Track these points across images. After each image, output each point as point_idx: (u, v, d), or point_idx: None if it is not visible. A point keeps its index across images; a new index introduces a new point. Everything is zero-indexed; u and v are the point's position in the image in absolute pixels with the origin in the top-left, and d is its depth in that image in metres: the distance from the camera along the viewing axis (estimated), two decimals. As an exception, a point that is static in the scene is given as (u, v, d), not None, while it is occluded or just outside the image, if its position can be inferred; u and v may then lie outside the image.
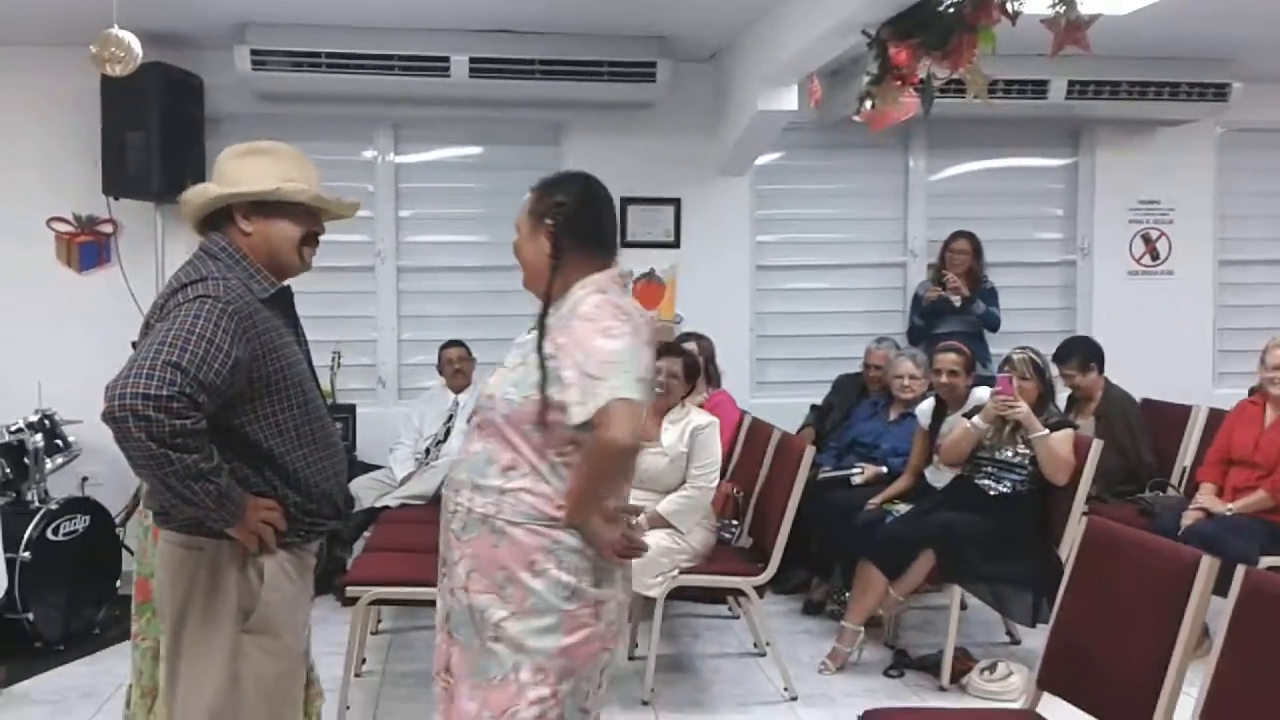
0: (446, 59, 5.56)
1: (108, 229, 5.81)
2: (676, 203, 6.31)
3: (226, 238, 2.42)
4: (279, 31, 5.43)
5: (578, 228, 2.40)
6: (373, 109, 6.02)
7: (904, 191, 6.62)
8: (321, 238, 2.54)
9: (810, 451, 4.28)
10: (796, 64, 5.05)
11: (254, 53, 5.41)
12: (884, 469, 5.08)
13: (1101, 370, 5.43)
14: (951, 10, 3.80)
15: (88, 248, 5.82)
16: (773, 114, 5.49)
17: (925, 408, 4.89)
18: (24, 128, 5.74)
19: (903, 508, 4.74)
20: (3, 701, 4.05)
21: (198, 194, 2.46)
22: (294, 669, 2.44)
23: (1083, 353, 5.43)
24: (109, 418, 2.12)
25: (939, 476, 4.76)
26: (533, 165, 6.27)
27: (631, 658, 4.52)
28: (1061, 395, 5.38)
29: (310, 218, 2.48)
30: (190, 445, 2.15)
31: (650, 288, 6.30)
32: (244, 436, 2.31)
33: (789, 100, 5.43)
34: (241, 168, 2.45)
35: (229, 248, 2.41)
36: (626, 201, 6.23)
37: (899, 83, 4.12)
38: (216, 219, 2.45)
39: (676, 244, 6.32)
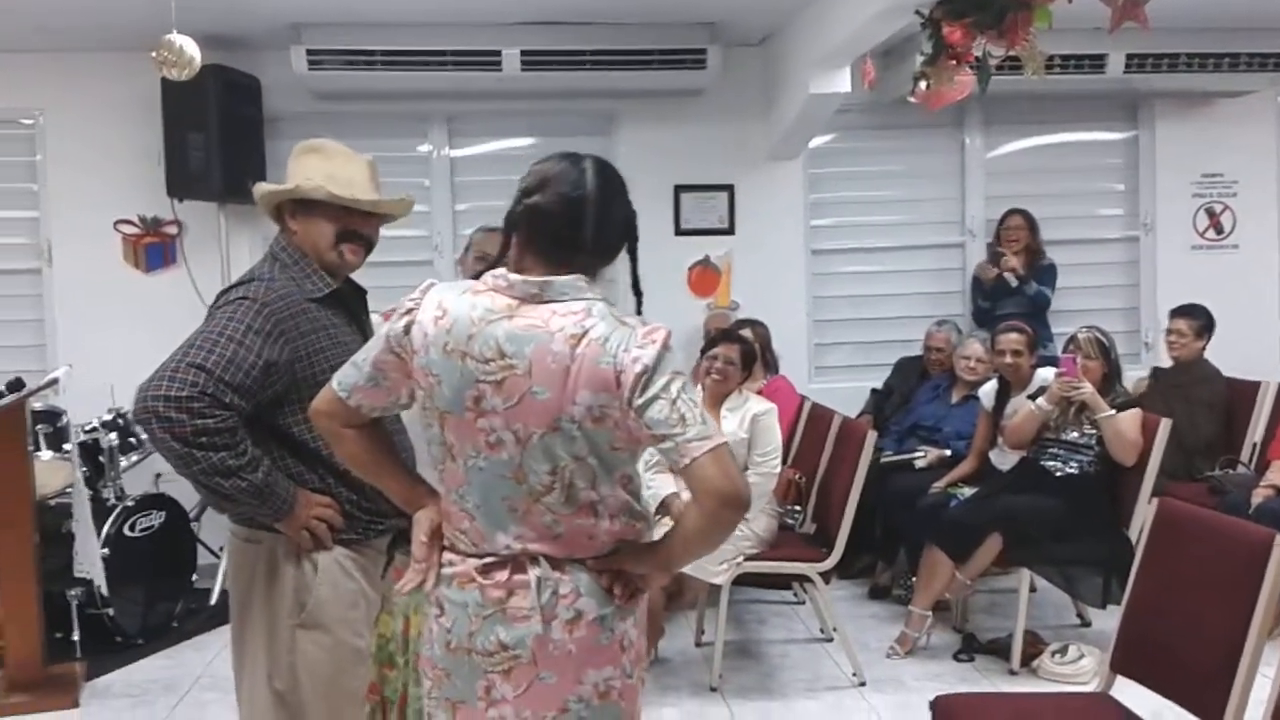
0: (498, 53, 5.60)
1: (172, 230, 5.92)
2: (730, 189, 6.30)
3: (286, 236, 2.48)
4: (333, 31, 5.50)
5: None
6: (427, 104, 6.08)
7: (960, 170, 6.54)
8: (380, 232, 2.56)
9: (872, 436, 4.26)
10: (849, 46, 5.01)
11: (310, 52, 5.48)
12: (947, 452, 5.05)
13: (1207, 344, 5.38)
14: (1006, -13, 3.75)
15: (153, 249, 5.93)
16: (826, 97, 5.45)
17: (988, 389, 4.85)
18: (90, 133, 5.86)
19: (967, 491, 4.70)
20: (86, 696, 4.15)
21: (257, 191, 2.53)
22: (351, 666, 2.43)
23: (1206, 319, 5.36)
24: (136, 419, 2.22)
25: (1004, 459, 4.72)
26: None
27: (698, 644, 4.55)
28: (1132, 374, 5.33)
29: (347, 216, 2.47)
30: (215, 443, 2.20)
31: (705, 274, 6.31)
32: (292, 435, 2.35)
33: (842, 82, 5.40)
34: (294, 166, 2.50)
35: (288, 247, 2.47)
36: (680, 188, 6.24)
37: (954, 62, 4.06)
38: (281, 215, 2.50)
39: (731, 230, 6.31)
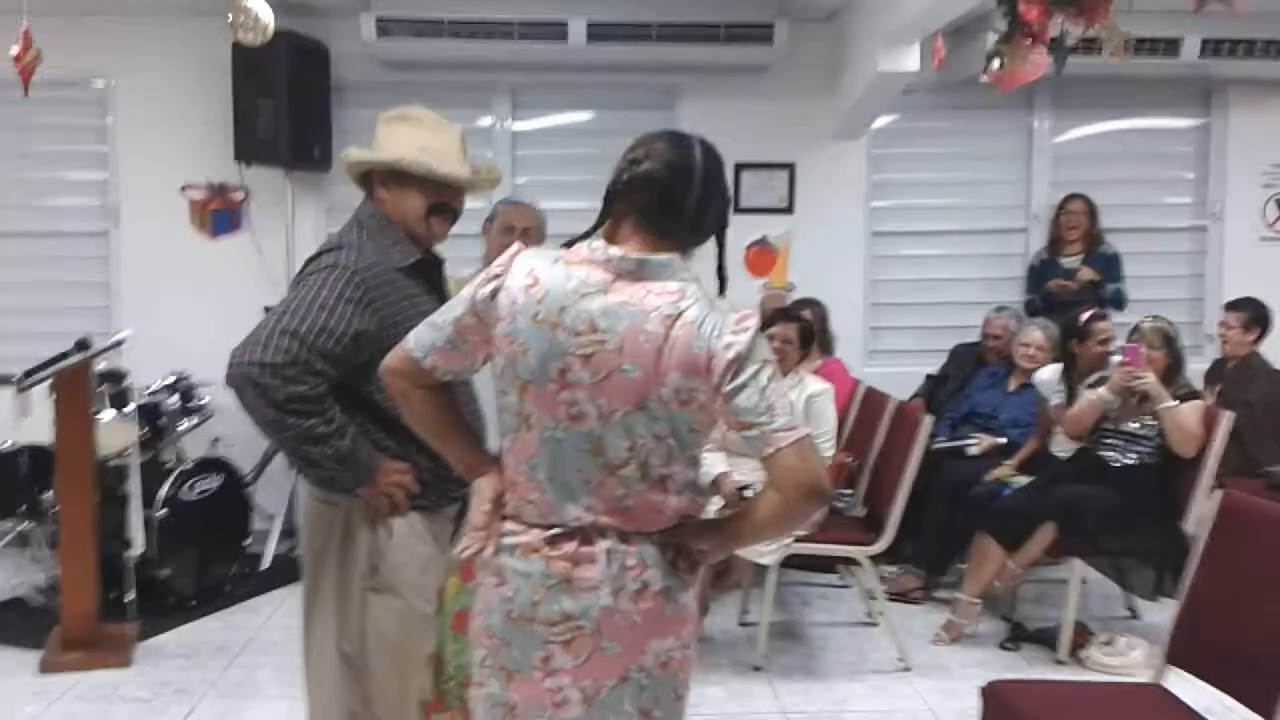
0: (564, 23, 5.60)
1: (239, 196, 5.99)
2: (791, 167, 6.25)
3: (375, 203, 2.49)
4: (403, -1, 5.52)
5: None
6: (491, 75, 6.08)
7: (1027, 154, 6.43)
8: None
9: (928, 421, 4.23)
10: (919, 23, 4.93)
11: (379, 20, 5.52)
12: (1001, 440, 5.00)
13: (1260, 339, 5.26)
14: (1085, -37, 3.66)
15: (219, 214, 6.01)
16: (893, 75, 5.38)
17: (1047, 375, 4.78)
18: (159, 97, 5.94)
19: (1020, 480, 4.66)
20: (138, 655, 4.23)
21: (346, 157, 2.54)
22: (419, 630, 2.46)
23: (1256, 313, 5.26)
24: (229, 383, 2.24)
25: (1059, 446, 4.66)
26: (645, 130, 6.23)
27: (742, 624, 4.56)
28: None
29: (440, 190, 2.48)
30: (305, 410, 2.23)
31: (763, 254, 6.27)
32: (375, 403, 2.37)
33: (910, 61, 5.32)
34: (383, 134, 2.51)
35: (376, 213, 2.48)
36: (740, 166, 6.19)
37: (1029, 41, 3.99)
38: (369, 182, 2.51)
39: (790, 210, 6.26)
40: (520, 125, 6.29)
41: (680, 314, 1.76)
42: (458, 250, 2.85)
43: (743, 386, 1.73)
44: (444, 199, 2.49)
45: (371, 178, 2.50)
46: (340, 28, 5.73)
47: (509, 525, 1.91)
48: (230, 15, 4.22)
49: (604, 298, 1.79)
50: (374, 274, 2.34)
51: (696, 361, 1.74)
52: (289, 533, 5.22)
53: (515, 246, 1.91)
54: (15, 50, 4.41)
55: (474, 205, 6.17)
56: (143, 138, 5.97)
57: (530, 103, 6.30)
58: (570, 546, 1.84)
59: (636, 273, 1.80)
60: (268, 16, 4.24)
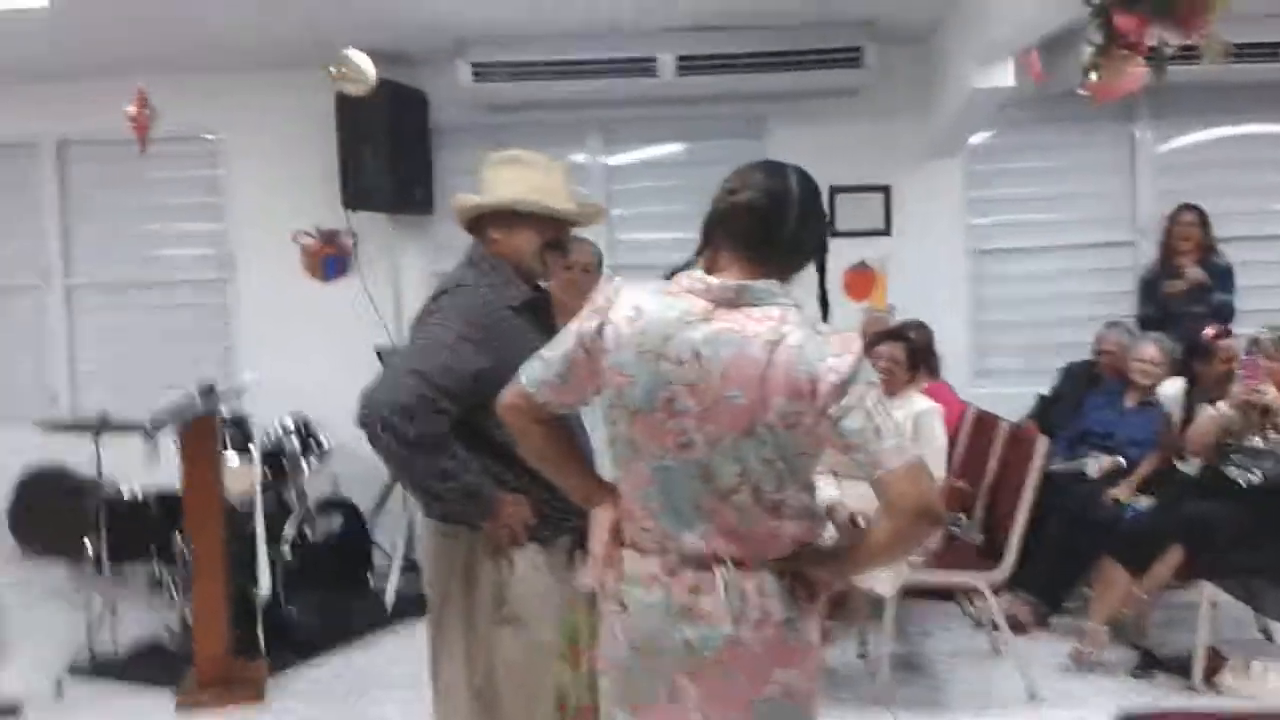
0: (653, 59, 5.67)
1: (347, 241, 6.16)
2: (886, 189, 6.21)
3: (486, 244, 2.59)
4: (497, 44, 5.65)
5: None
6: (584, 113, 6.18)
7: (1130, 165, 6.29)
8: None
9: (1045, 442, 4.15)
10: (1014, 38, 4.87)
11: (474, 65, 5.65)
12: (1121, 460, 4.87)
13: None
14: (1182, -28, 3.59)
15: (330, 259, 6.20)
16: (989, 91, 5.31)
17: (1172, 390, 4.66)
18: (268, 148, 6.17)
19: (1143, 501, 4.54)
20: (270, 692, 4.32)
21: (459, 202, 2.64)
22: (545, 661, 2.52)
23: None
24: (361, 424, 2.35)
25: (1188, 464, 4.53)
26: (736, 159, 6.26)
27: (861, 656, 4.51)
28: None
29: (553, 226, 2.60)
30: (433, 448, 2.33)
31: (862, 276, 6.23)
32: (494, 438, 2.43)
33: (1005, 76, 5.25)
34: (493, 177, 2.61)
35: (488, 255, 2.58)
36: (835, 190, 6.17)
37: (1126, 52, 3.92)
38: (480, 224, 2.61)
39: (887, 231, 6.22)
40: (614, 160, 6.37)
41: (782, 339, 1.77)
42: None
43: (849, 409, 1.74)
44: (556, 235, 2.62)
45: (482, 221, 2.60)
46: (437, 74, 5.87)
47: (629, 554, 1.93)
48: (333, 68, 4.35)
49: (706, 326, 1.81)
50: (489, 313, 2.46)
51: (800, 385, 1.75)
52: (409, 568, 5.32)
53: (616, 280, 1.95)
54: (132, 109, 4.61)
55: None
56: (254, 188, 6.21)
57: (622, 137, 6.37)
58: (689, 575, 1.85)
59: (736, 300, 1.82)
60: (369, 66, 4.37)
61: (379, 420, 2.33)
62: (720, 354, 1.79)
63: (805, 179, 1.91)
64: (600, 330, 1.88)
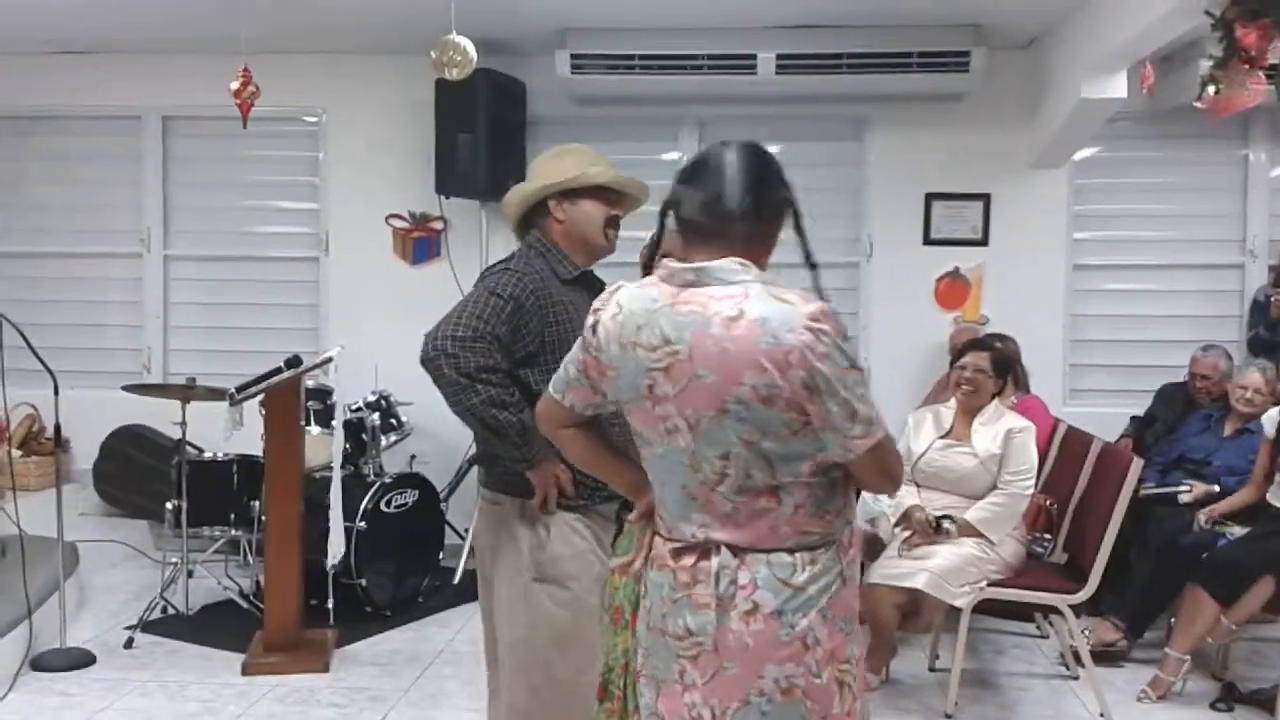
0: (753, 56, 5.61)
1: (438, 225, 6.24)
2: (986, 198, 6.07)
3: (541, 230, 2.75)
4: (596, 36, 5.66)
5: None
6: (679, 109, 6.14)
7: (1242, 186, 6.07)
8: (625, 236, 2.81)
9: (1138, 464, 4.00)
10: (1128, 49, 4.74)
11: (573, 57, 5.66)
12: (1215, 488, 4.67)
13: None
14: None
15: (420, 242, 6.27)
16: (1099, 102, 5.17)
17: (1272, 416, 4.46)
18: (367, 131, 6.27)
19: (1237, 530, 4.35)
20: (335, 661, 4.39)
21: (516, 193, 2.79)
22: (585, 619, 2.60)
23: None
24: (424, 359, 2.54)
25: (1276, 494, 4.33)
26: (835, 161, 6.25)
27: (932, 669, 4.40)
28: None
29: (615, 201, 2.76)
30: (492, 379, 2.51)
31: (954, 286, 6.11)
32: (534, 397, 2.45)
33: (1117, 88, 5.11)
34: (550, 165, 2.77)
35: (542, 239, 2.75)
36: (931, 197, 6.07)
37: (1247, 66, 3.78)
38: (533, 216, 2.77)
39: (984, 241, 6.08)
40: (710, 158, 6.31)
41: (742, 313, 1.78)
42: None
43: (821, 387, 1.76)
44: (616, 210, 2.77)
45: (535, 211, 2.75)
46: (537, 65, 5.90)
47: (656, 538, 1.99)
48: (435, 52, 4.39)
49: (671, 310, 1.85)
50: (538, 277, 2.64)
51: (769, 357, 1.75)
52: (478, 548, 5.35)
53: (617, 283, 2.03)
54: (235, 86, 4.72)
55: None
56: (350, 169, 6.31)
57: (717, 135, 6.24)
58: (690, 560, 1.88)
59: (697, 281, 1.85)
60: (472, 51, 4.39)
61: (440, 352, 2.49)
62: (685, 335, 1.82)
63: (745, 150, 1.93)
64: (594, 329, 1.97)
